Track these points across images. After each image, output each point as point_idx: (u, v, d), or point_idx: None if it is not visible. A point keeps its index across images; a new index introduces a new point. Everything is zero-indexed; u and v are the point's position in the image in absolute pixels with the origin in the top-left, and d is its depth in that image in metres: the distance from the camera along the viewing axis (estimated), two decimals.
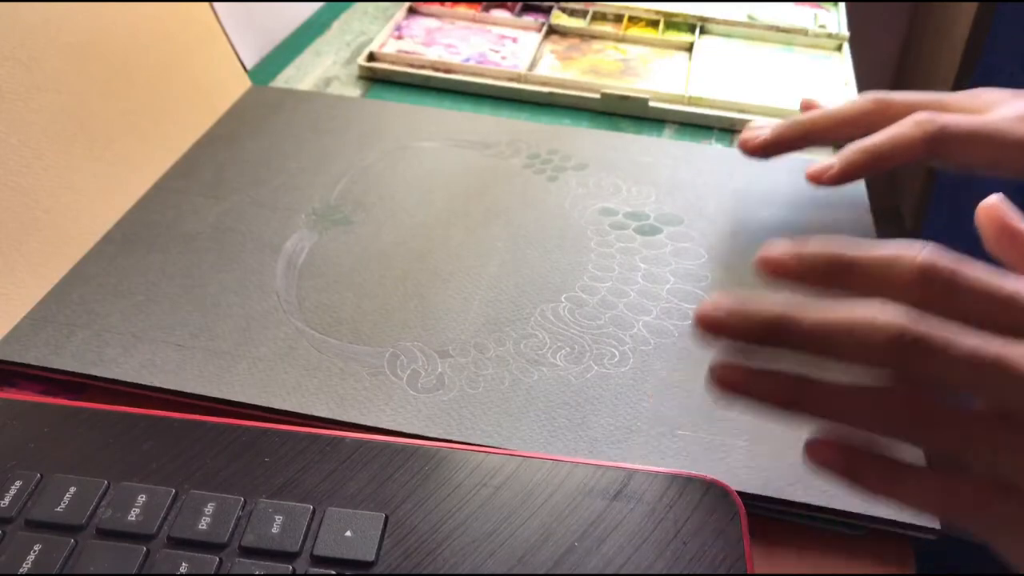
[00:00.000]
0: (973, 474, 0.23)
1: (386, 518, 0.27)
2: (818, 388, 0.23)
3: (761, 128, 0.43)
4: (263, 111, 0.50)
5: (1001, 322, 0.23)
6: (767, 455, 0.31)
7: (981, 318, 0.23)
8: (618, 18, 0.63)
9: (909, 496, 0.23)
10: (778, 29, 0.62)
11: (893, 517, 0.29)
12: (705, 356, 0.35)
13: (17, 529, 0.26)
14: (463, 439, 0.31)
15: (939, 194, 1.31)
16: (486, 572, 0.26)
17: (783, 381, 0.24)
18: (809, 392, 0.23)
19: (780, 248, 0.25)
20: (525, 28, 0.62)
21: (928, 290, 0.23)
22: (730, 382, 0.24)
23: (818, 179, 0.40)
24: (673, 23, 0.63)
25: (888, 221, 1.43)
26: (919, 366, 0.22)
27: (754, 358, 0.24)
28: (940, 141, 0.37)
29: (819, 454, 0.24)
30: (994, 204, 0.29)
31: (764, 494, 0.30)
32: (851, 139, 0.40)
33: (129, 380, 0.33)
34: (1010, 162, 0.36)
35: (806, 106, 0.46)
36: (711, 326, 0.24)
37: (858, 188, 0.45)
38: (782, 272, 0.25)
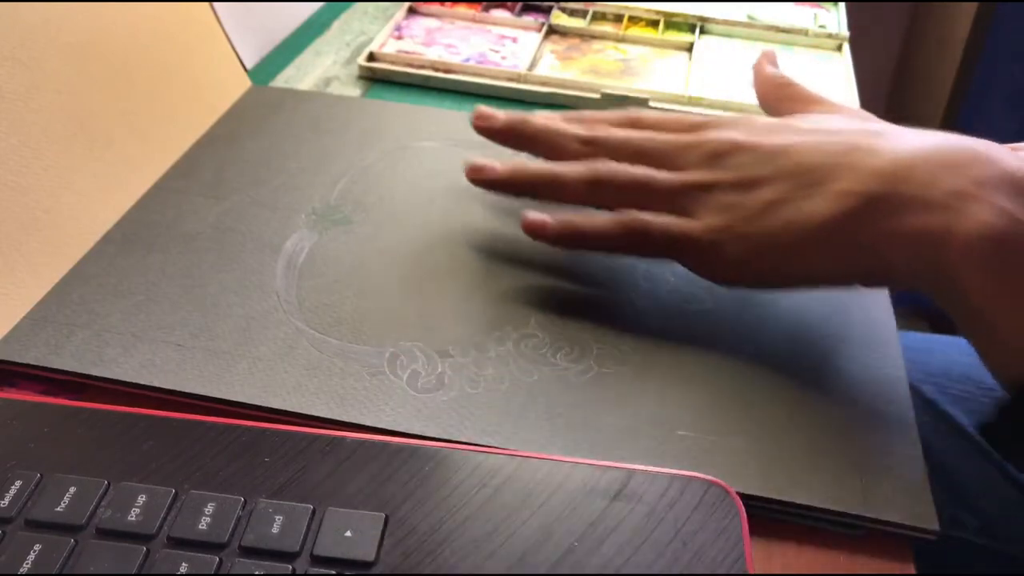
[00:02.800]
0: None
1: (386, 518, 0.27)
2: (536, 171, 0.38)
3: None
4: (263, 111, 0.50)
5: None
6: (767, 455, 0.31)
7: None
8: (618, 18, 0.63)
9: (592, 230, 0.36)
10: (778, 29, 0.62)
11: (893, 518, 0.29)
12: (705, 356, 0.35)
13: (17, 529, 0.26)
14: (463, 439, 0.31)
15: None
16: (486, 572, 0.26)
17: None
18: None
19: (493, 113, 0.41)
20: (525, 28, 0.62)
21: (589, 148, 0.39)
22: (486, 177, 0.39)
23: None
24: (673, 23, 0.63)
25: None
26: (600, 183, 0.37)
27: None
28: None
29: (531, 222, 0.37)
30: (767, 69, 0.43)
31: (764, 494, 0.30)
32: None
33: (129, 380, 0.33)
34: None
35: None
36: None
37: None
38: (489, 130, 0.40)
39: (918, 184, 0.31)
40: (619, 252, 0.37)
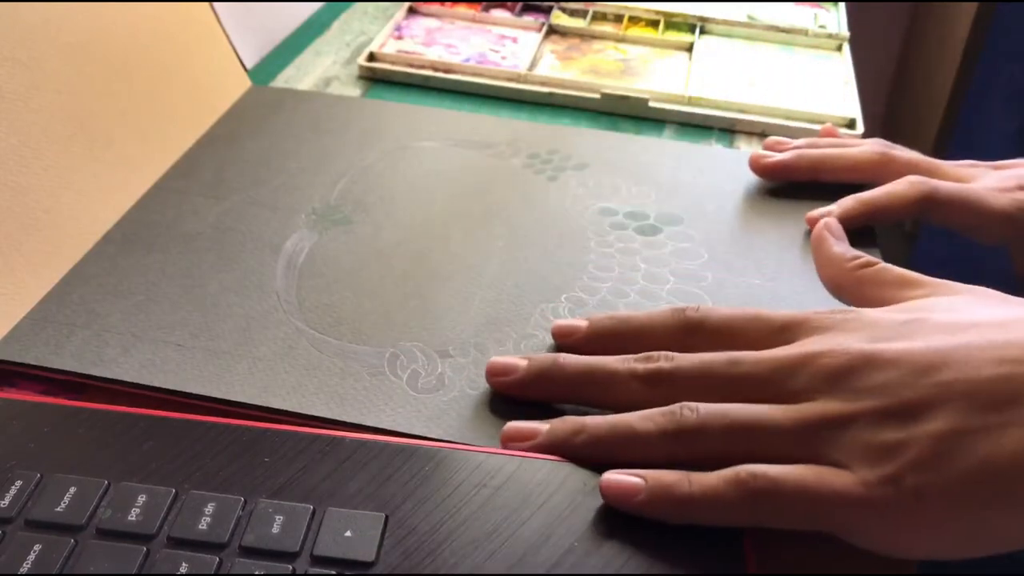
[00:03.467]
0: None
1: (386, 518, 0.27)
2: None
3: (778, 144, 0.47)
4: (263, 111, 0.50)
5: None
6: None
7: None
8: (618, 18, 0.63)
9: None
10: (778, 29, 0.62)
11: None
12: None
13: (17, 529, 0.26)
14: (463, 439, 0.31)
15: None
16: (486, 572, 0.26)
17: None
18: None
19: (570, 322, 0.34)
20: (525, 28, 0.62)
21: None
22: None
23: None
24: (673, 23, 0.63)
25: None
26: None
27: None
28: (931, 202, 0.41)
29: (616, 487, 0.27)
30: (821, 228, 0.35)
31: None
32: (850, 182, 0.44)
33: (129, 380, 0.33)
34: (987, 228, 0.41)
35: (826, 133, 0.49)
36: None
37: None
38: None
39: None
40: (739, 523, 0.27)
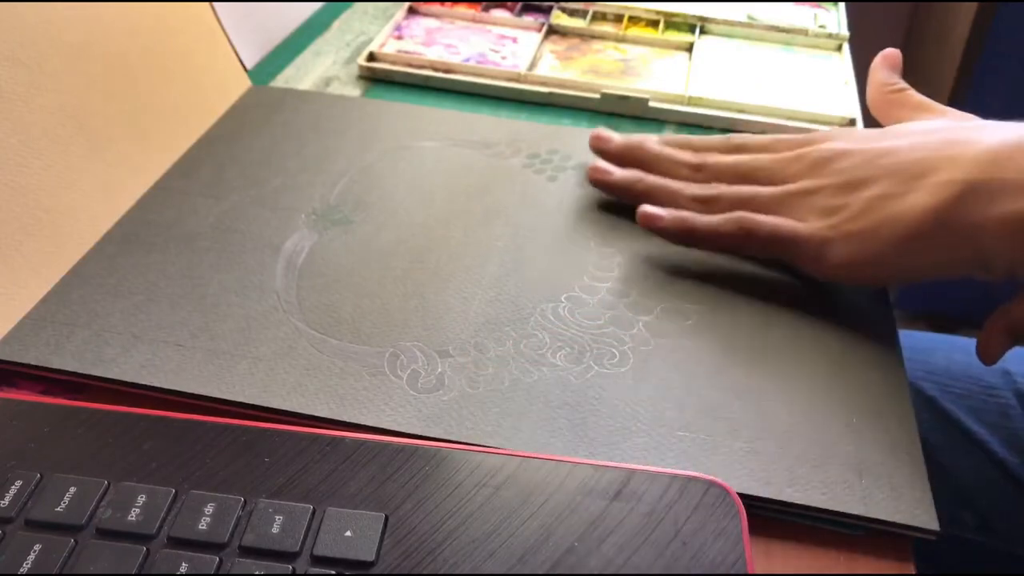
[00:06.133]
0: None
1: (386, 518, 0.27)
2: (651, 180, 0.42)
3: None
4: (263, 111, 0.50)
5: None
6: (767, 455, 0.31)
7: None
8: (618, 18, 0.63)
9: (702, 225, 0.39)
10: (778, 29, 0.62)
11: (893, 518, 0.29)
12: (707, 357, 0.35)
13: (17, 529, 0.26)
14: (463, 439, 0.31)
15: None
16: (486, 572, 0.26)
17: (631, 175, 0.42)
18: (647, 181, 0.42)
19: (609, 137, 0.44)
20: (525, 28, 0.62)
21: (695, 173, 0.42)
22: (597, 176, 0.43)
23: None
24: (673, 23, 0.63)
25: None
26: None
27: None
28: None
29: (647, 213, 0.40)
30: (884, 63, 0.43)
31: (764, 494, 0.30)
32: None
33: (129, 380, 0.33)
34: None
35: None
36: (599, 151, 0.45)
37: None
38: (605, 151, 0.44)
39: (1016, 169, 0.32)
40: (727, 250, 0.39)
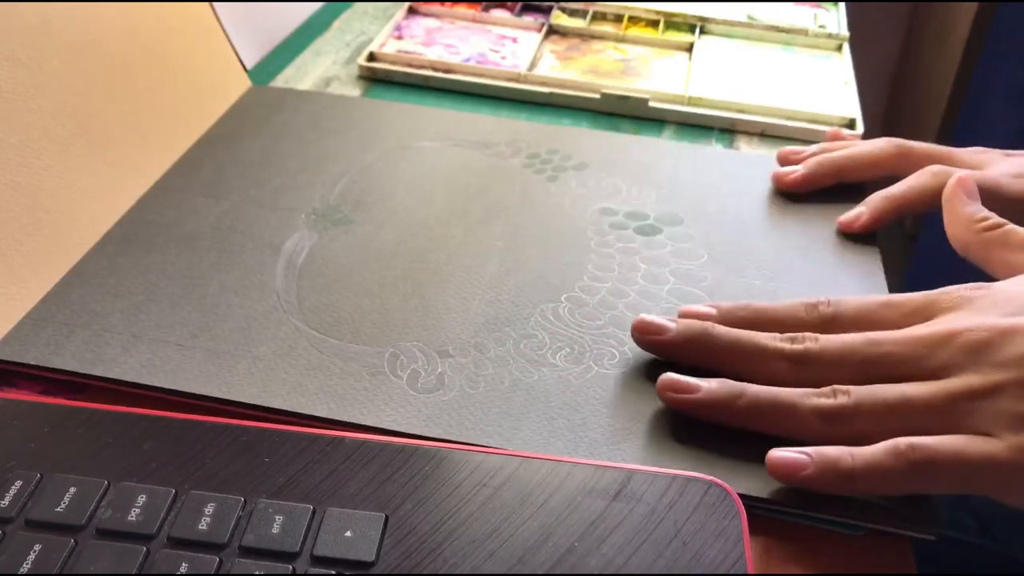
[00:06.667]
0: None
1: (386, 518, 0.27)
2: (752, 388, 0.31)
3: (792, 154, 0.47)
4: (263, 111, 0.50)
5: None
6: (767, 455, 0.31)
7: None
8: (618, 18, 0.63)
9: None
10: (778, 29, 0.62)
11: (893, 519, 0.29)
12: None
13: (17, 529, 0.26)
14: (463, 439, 0.31)
15: None
16: (486, 572, 0.26)
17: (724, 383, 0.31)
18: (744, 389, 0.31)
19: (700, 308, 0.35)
20: (525, 28, 0.62)
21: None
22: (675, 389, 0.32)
23: (849, 227, 0.42)
24: (673, 23, 0.63)
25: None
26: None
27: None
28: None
29: (783, 462, 0.29)
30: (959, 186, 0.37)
31: (764, 494, 0.30)
32: (874, 179, 0.45)
33: (129, 380, 0.33)
34: (1000, 213, 0.40)
35: (833, 136, 0.49)
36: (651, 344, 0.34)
37: (858, 190, 0.45)
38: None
39: None
40: (899, 491, 0.29)
